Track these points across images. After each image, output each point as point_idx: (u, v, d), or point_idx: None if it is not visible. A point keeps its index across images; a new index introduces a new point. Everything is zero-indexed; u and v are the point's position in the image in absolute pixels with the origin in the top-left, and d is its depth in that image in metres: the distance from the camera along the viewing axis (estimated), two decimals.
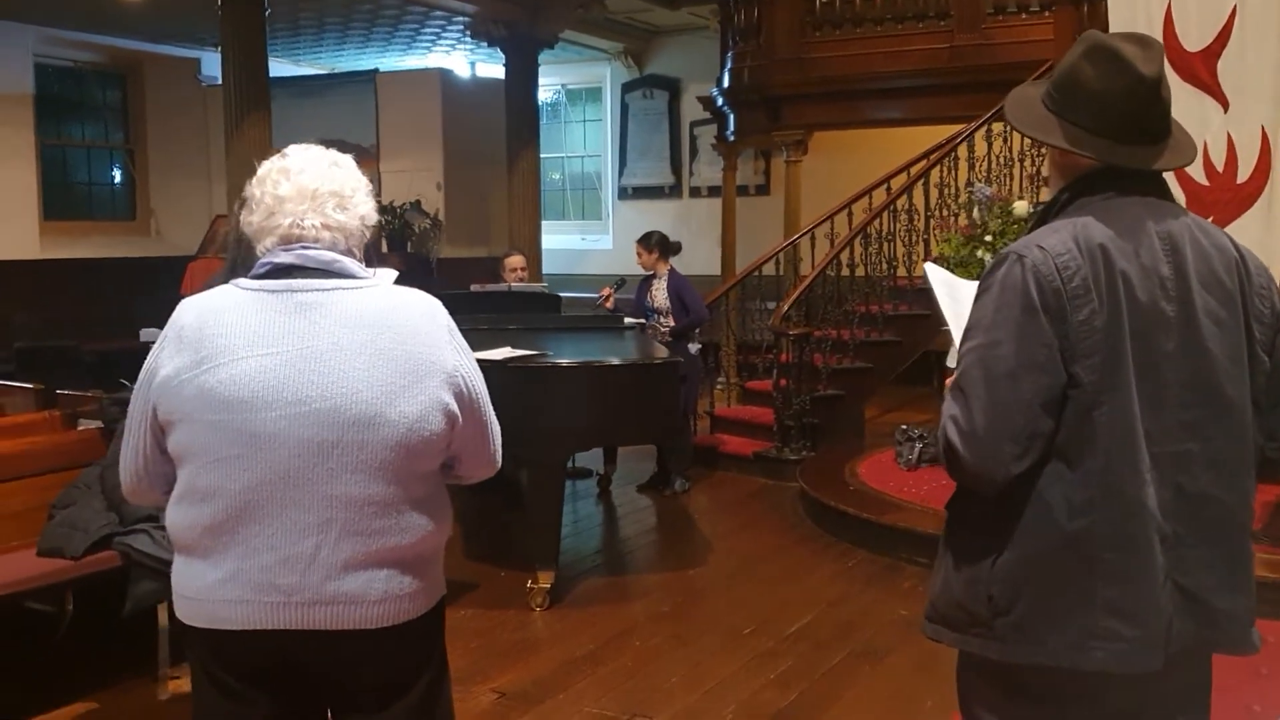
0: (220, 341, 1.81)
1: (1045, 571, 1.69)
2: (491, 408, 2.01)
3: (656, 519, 6.54)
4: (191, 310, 1.88)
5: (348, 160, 1.99)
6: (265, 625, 1.82)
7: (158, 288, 10.35)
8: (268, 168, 1.93)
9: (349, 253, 1.93)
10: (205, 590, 1.84)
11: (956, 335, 1.97)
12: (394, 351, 1.83)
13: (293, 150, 1.95)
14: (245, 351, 1.80)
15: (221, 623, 1.84)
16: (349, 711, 1.97)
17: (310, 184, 1.89)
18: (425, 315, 1.90)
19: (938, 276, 2.13)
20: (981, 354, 1.70)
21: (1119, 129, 1.75)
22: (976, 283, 1.86)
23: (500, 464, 2.08)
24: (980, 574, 1.74)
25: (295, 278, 1.86)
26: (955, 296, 2.07)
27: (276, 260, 1.87)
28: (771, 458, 7.29)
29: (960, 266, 6.03)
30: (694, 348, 6.91)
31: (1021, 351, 1.67)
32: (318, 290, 1.85)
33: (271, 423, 1.78)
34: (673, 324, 6.78)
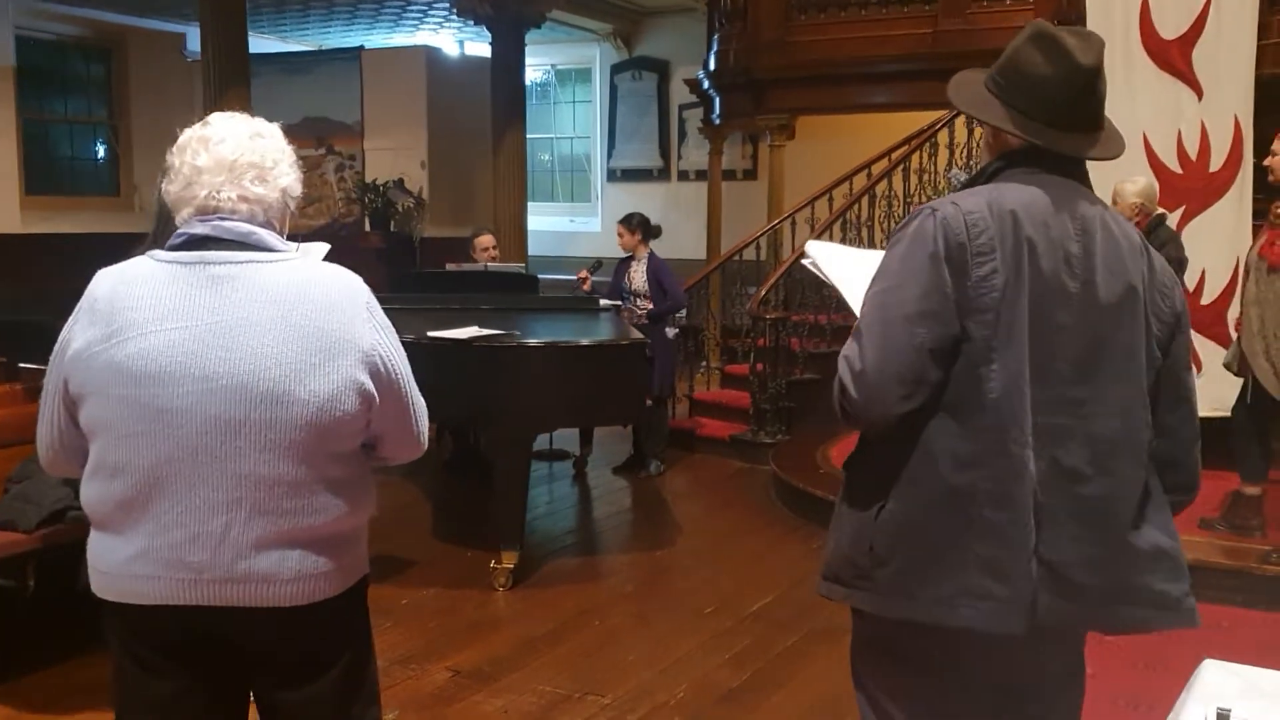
0: (131, 314, 1.79)
1: (925, 523, 1.72)
2: (415, 387, 1.97)
3: (630, 501, 6.56)
4: (106, 281, 1.86)
5: (273, 130, 1.95)
6: (176, 601, 1.81)
7: None
8: (188, 136, 1.90)
9: (268, 225, 1.90)
10: (118, 565, 1.83)
11: (851, 302, 1.99)
12: (305, 328, 1.80)
13: (215, 119, 1.92)
14: (155, 325, 1.78)
15: (134, 597, 1.83)
16: (270, 689, 1.96)
17: (229, 155, 1.86)
18: (342, 291, 1.87)
19: (821, 251, 2.14)
20: (881, 299, 1.75)
21: (1053, 114, 1.79)
22: (859, 249, 1.90)
23: (426, 445, 2.06)
24: (865, 525, 1.77)
25: (209, 249, 1.83)
26: (840, 262, 2.10)
27: (192, 231, 1.85)
28: (747, 441, 7.30)
29: None
30: (671, 332, 6.90)
31: (919, 298, 1.71)
32: (231, 263, 1.82)
33: (180, 398, 1.76)
34: (649, 307, 6.77)
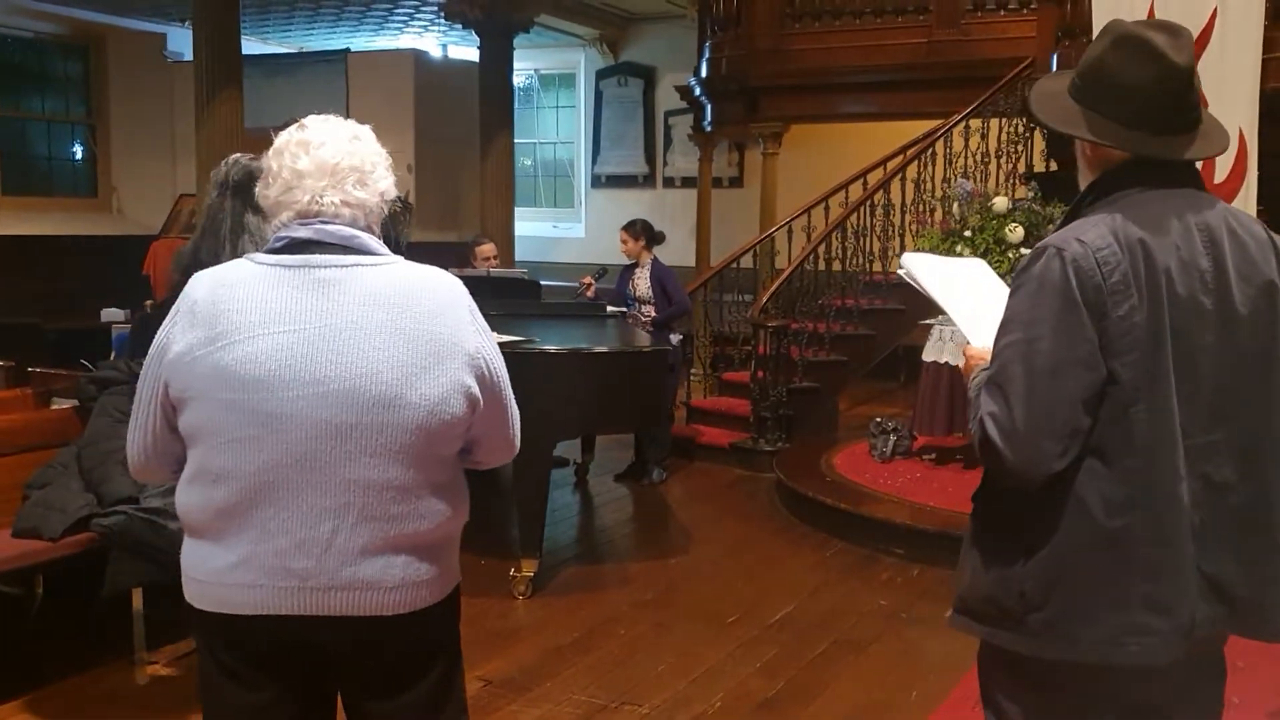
0: (235, 318, 1.75)
1: (1081, 568, 1.69)
2: (511, 391, 1.96)
3: (634, 508, 6.52)
4: (204, 284, 1.81)
5: (367, 132, 1.93)
6: (279, 610, 1.77)
7: (119, 266, 10.16)
8: (285, 139, 1.86)
9: (368, 229, 1.87)
10: (216, 574, 1.79)
11: (956, 317, 1.95)
12: (415, 331, 1.77)
13: (312, 121, 1.88)
14: (261, 329, 1.74)
15: (233, 607, 1.79)
16: (361, 698, 1.93)
17: (331, 159, 1.83)
18: (448, 295, 1.85)
19: (919, 265, 2.09)
20: (1022, 349, 1.68)
21: (1151, 120, 1.73)
22: (959, 260, 1.84)
23: (518, 448, 2.04)
24: (1013, 570, 1.73)
25: (313, 253, 1.80)
26: (938, 275, 2.06)
27: (293, 234, 1.81)
28: (747, 449, 7.29)
29: None
30: (675, 338, 6.88)
31: (1062, 347, 1.65)
32: (337, 266, 1.79)
33: (289, 403, 1.72)
34: (654, 314, 6.74)
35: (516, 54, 11.58)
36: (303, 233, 1.82)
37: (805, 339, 7.62)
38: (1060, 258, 1.68)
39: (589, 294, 6.89)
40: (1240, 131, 5.69)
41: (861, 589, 4.92)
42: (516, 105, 13.08)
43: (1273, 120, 5.55)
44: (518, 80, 13.47)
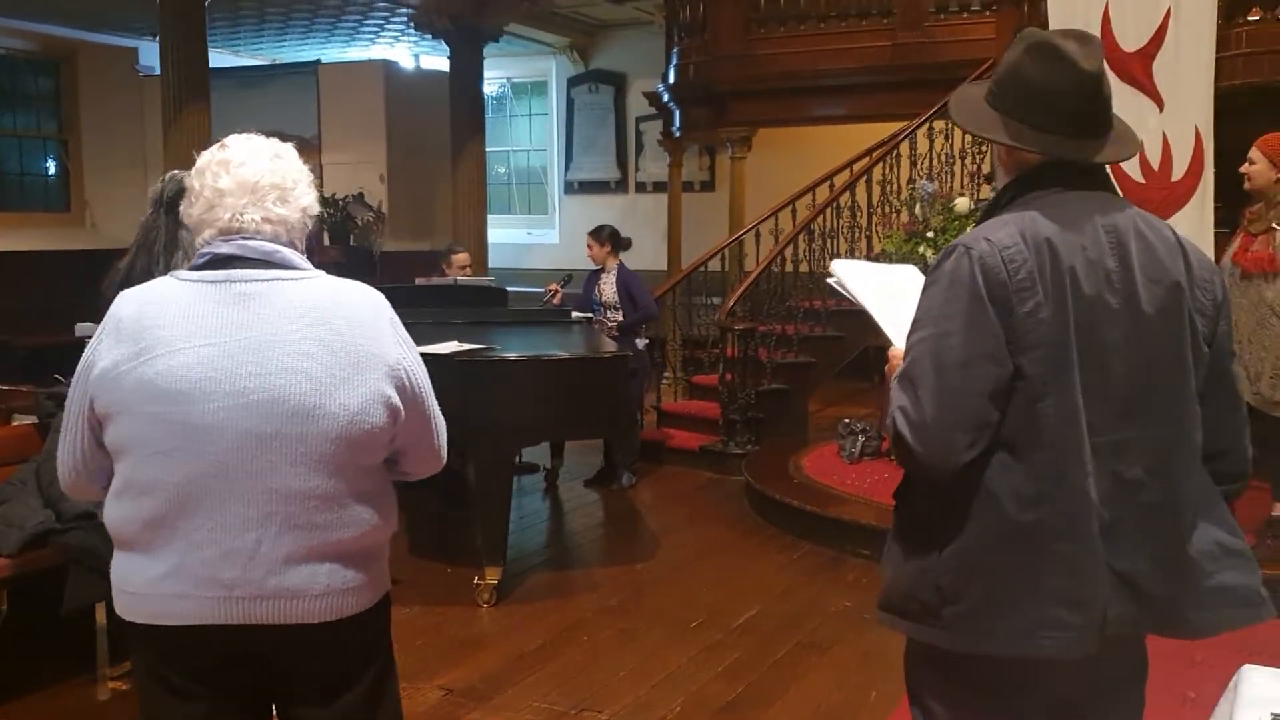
0: (159, 333, 1.78)
1: (994, 562, 1.72)
2: (436, 402, 1.99)
3: (603, 514, 6.54)
4: (131, 302, 1.84)
5: (289, 150, 1.96)
6: (208, 620, 1.79)
7: (93, 281, 10.10)
8: (207, 159, 1.90)
9: (290, 244, 1.90)
10: (146, 585, 1.81)
11: (882, 323, 1.99)
12: (335, 343, 1.80)
13: (233, 141, 1.92)
14: (184, 343, 1.77)
15: (163, 618, 1.81)
16: (294, 706, 1.95)
17: (251, 177, 1.86)
18: (368, 307, 1.88)
19: (847, 271, 2.11)
20: (931, 345, 1.72)
21: (1062, 124, 1.78)
22: (890, 266, 1.88)
23: (446, 459, 2.06)
24: (929, 563, 1.76)
25: (235, 268, 1.83)
26: (867, 281, 2.09)
27: (216, 251, 1.85)
28: (717, 452, 7.32)
29: (904, 262, 6.10)
30: (641, 343, 6.91)
31: (971, 342, 1.69)
32: (258, 280, 1.82)
33: (210, 414, 1.75)
34: (620, 319, 6.77)
35: (489, 63, 11.61)
36: (225, 249, 1.85)
37: (774, 341, 7.66)
38: (968, 256, 1.73)
39: (555, 301, 6.92)
40: (1196, 130, 5.75)
41: (827, 590, 4.95)
42: (490, 114, 13.13)
43: (1228, 118, 5.61)
44: (491, 89, 13.52)
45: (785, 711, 3.72)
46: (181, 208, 1.93)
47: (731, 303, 7.44)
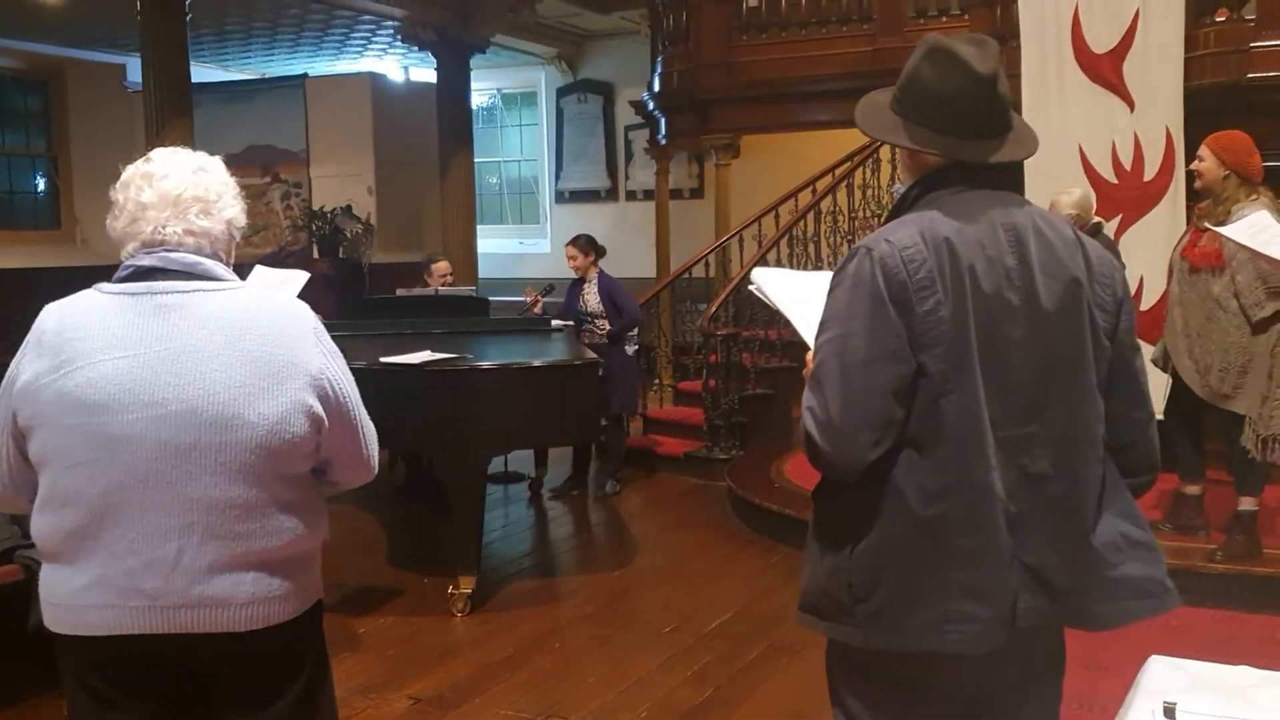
0: (79, 345, 1.80)
1: (901, 558, 1.73)
2: (364, 412, 1.99)
3: (587, 521, 6.56)
4: (53, 315, 1.87)
5: (215, 163, 1.98)
6: (131, 630, 1.80)
7: None
8: (131, 173, 1.92)
9: (214, 256, 1.92)
10: (70, 596, 1.82)
11: (800, 329, 2.01)
12: (255, 353, 1.82)
13: (157, 155, 1.94)
14: (103, 354, 1.79)
15: (88, 629, 1.83)
16: (224, 715, 1.95)
17: (173, 190, 1.88)
18: (289, 317, 1.89)
19: (767, 279, 2.14)
20: (836, 345, 1.75)
21: (959, 126, 1.81)
22: (808, 274, 1.90)
23: (376, 470, 2.07)
24: (841, 562, 1.78)
25: (156, 280, 1.85)
26: (786, 288, 2.11)
27: (138, 263, 1.87)
28: (702, 457, 7.33)
29: None
30: (630, 349, 6.92)
31: (873, 342, 1.71)
32: (178, 292, 1.84)
33: (129, 425, 1.77)
34: (607, 326, 6.78)
35: (479, 74, 11.65)
36: (147, 261, 1.87)
37: (757, 346, 7.68)
38: (870, 257, 1.76)
39: (536, 310, 6.94)
40: (1167, 130, 5.76)
41: None
42: (480, 124, 13.17)
43: (1197, 118, 5.62)
44: (481, 100, 13.56)
45: (752, 714, 3.73)
46: (107, 221, 1.94)
47: (715, 308, 7.46)
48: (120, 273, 1.88)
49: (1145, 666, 1.67)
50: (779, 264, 7.87)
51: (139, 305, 1.83)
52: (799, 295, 2.10)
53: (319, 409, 1.87)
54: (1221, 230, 4.36)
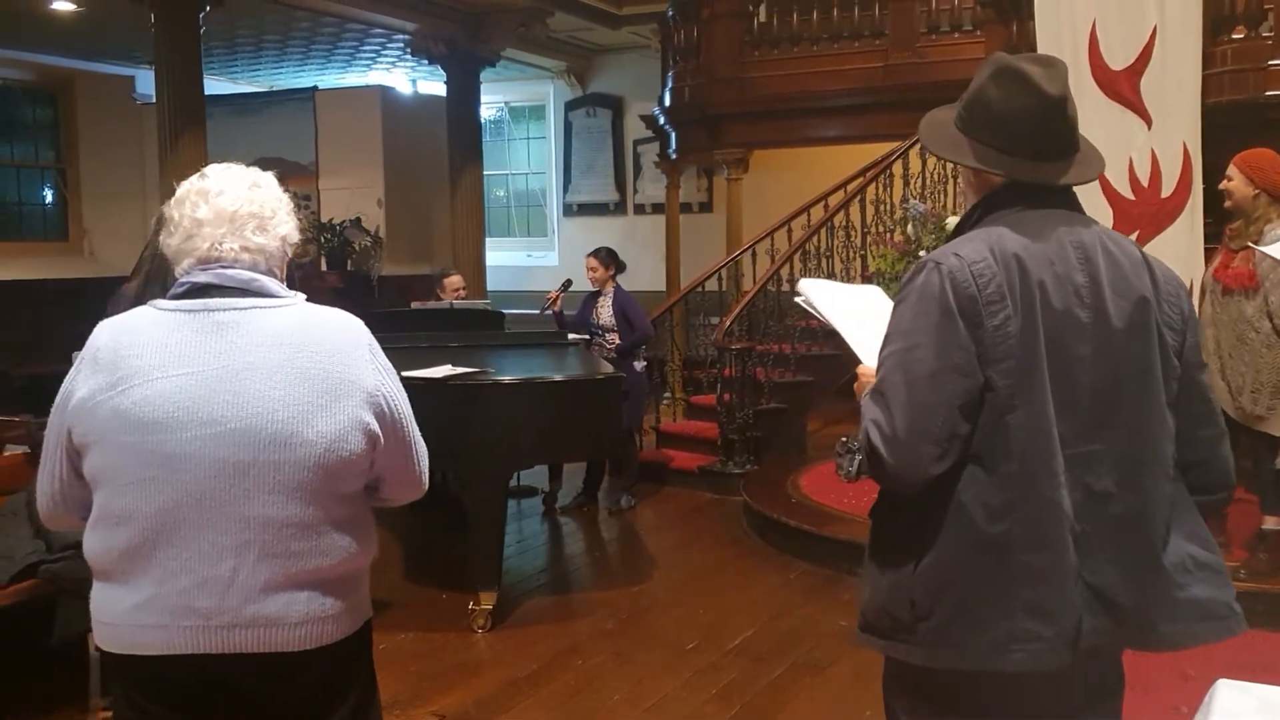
0: (135, 362, 1.79)
1: (964, 575, 1.72)
2: (416, 428, 1.99)
3: (601, 536, 6.53)
4: (107, 331, 1.85)
5: (269, 179, 1.97)
6: (185, 650, 1.79)
7: (92, 309, 10.14)
8: (186, 189, 1.91)
9: (270, 273, 1.91)
10: (123, 615, 1.81)
11: (850, 340, 2.00)
12: (312, 370, 1.81)
13: (212, 171, 1.93)
14: (160, 372, 1.78)
15: (140, 648, 1.81)
16: None
17: (229, 206, 1.87)
18: (345, 334, 1.88)
19: (815, 291, 2.13)
20: (901, 358, 1.74)
21: (1026, 147, 1.81)
22: (856, 286, 1.89)
23: (427, 486, 2.06)
24: (902, 579, 1.77)
25: (213, 297, 1.84)
26: (834, 300, 2.11)
27: (194, 280, 1.85)
28: (716, 472, 7.32)
29: (895, 282, 6.11)
30: (639, 365, 6.91)
31: (940, 355, 1.71)
32: (235, 309, 1.83)
33: (186, 443, 1.76)
34: (618, 341, 6.78)
35: (487, 87, 11.67)
36: (203, 278, 1.86)
37: (771, 360, 7.67)
38: (938, 271, 1.75)
39: (556, 307, 6.91)
40: (1184, 146, 5.76)
41: (823, 610, 4.94)
42: (489, 137, 13.19)
43: (1215, 134, 5.63)
44: (489, 113, 13.59)
45: None
46: (161, 237, 1.94)
47: (729, 322, 7.46)
48: (176, 289, 1.87)
49: (1213, 690, 1.66)
50: (792, 278, 7.87)
51: (196, 322, 1.82)
52: (848, 306, 2.09)
53: (375, 426, 1.86)
54: (1261, 248, 4.36)
